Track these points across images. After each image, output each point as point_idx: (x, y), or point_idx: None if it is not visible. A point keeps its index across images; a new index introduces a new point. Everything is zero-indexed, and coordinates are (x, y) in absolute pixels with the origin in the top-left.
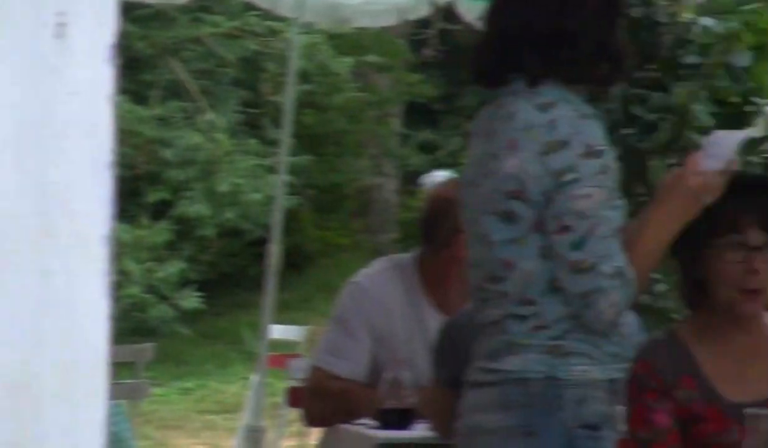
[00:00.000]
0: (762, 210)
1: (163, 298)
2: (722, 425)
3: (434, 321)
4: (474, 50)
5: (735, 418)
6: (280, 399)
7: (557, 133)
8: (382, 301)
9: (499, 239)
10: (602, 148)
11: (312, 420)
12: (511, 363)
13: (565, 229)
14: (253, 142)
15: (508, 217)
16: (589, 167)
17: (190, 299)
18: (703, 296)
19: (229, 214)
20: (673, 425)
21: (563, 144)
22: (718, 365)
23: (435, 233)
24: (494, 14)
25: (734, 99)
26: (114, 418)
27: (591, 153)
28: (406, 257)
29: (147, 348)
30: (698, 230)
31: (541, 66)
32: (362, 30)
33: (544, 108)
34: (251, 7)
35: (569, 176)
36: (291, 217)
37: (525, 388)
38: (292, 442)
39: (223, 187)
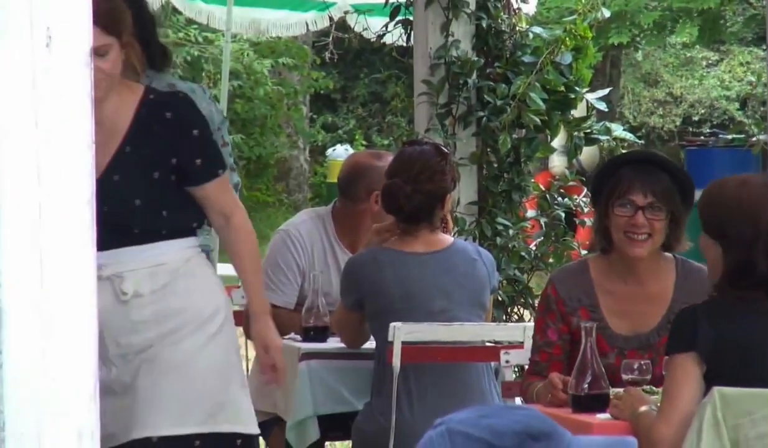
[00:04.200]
0: (648, 179)
1: None
2: (604, 349)
3: (345, 259)
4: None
5: (615, 346)
6: None
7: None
8: (304, 243)
9: None
10: None
11: (250, 337)
12: None
13: None
14: None
15: None
16: None
17: None
18: (608, 241)
19: None
20: (559, 341)
21: None
22: (611, 300)
23: (352, 190)
24: None
25: (560, 89)
26: None
27: None
28: (324, 209)
29: None
30: (606, 192)
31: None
32: (277, 38)
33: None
34: (192, 22)
35: None
36: None
37: None
38: None
39: None
